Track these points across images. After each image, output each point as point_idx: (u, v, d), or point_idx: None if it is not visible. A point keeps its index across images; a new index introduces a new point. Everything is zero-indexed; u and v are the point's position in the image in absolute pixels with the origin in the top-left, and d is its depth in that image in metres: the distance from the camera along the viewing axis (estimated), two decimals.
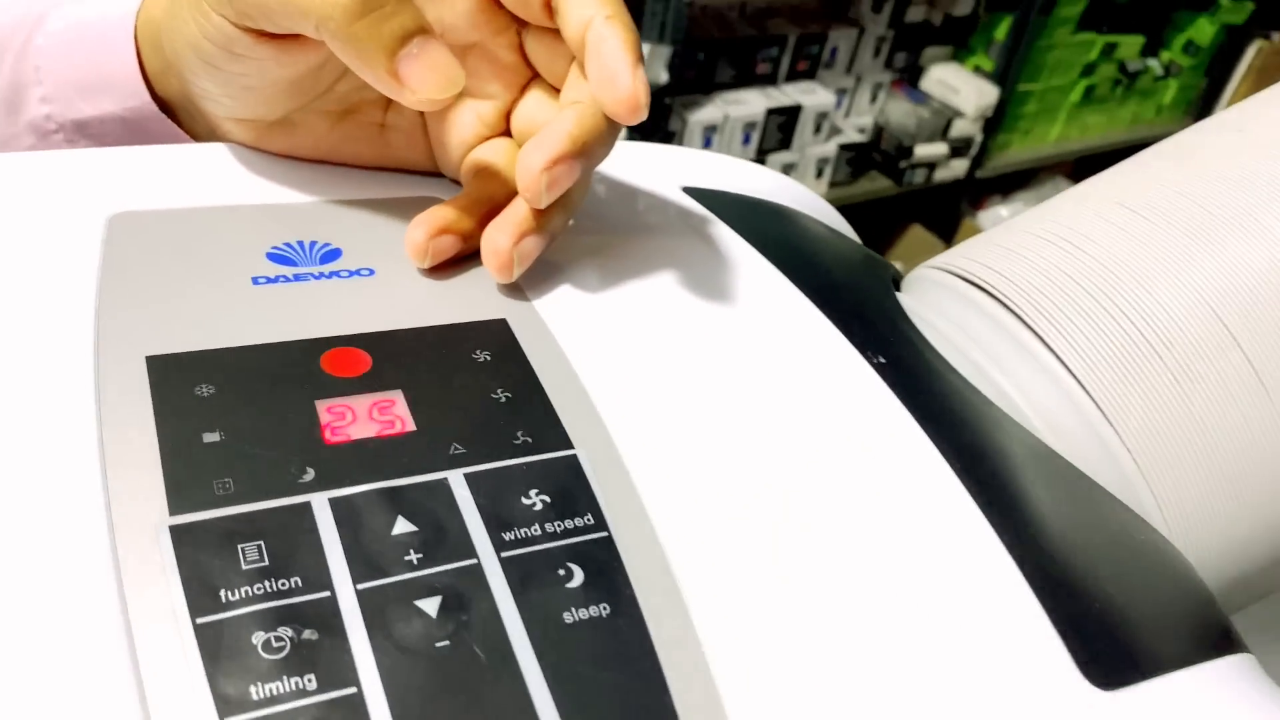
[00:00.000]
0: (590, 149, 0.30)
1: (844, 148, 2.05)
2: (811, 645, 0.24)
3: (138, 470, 0.23)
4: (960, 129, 2.16)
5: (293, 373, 0.27)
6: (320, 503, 0.24)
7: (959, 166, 2.22)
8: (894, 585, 0.26)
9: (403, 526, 0.24)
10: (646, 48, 1.67)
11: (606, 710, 0.22)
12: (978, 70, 2.22)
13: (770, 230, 0.39)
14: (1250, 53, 2.52)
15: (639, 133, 1.71)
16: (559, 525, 0.24)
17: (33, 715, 0.19)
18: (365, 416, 0.26)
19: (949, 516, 0.27)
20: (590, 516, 0.25)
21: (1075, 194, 0.40)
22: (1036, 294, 0.35)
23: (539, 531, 0.24)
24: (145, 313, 0.28)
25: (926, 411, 0.30)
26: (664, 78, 1.72)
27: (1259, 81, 2.48)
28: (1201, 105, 2.60)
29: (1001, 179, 2.36)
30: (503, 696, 0.21)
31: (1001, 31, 2.19)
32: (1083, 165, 2.50)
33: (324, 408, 0.26)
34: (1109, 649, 0.26)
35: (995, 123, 2.21)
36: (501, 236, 0.30)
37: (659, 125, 1.80)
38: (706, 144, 1.88)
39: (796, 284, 0.34)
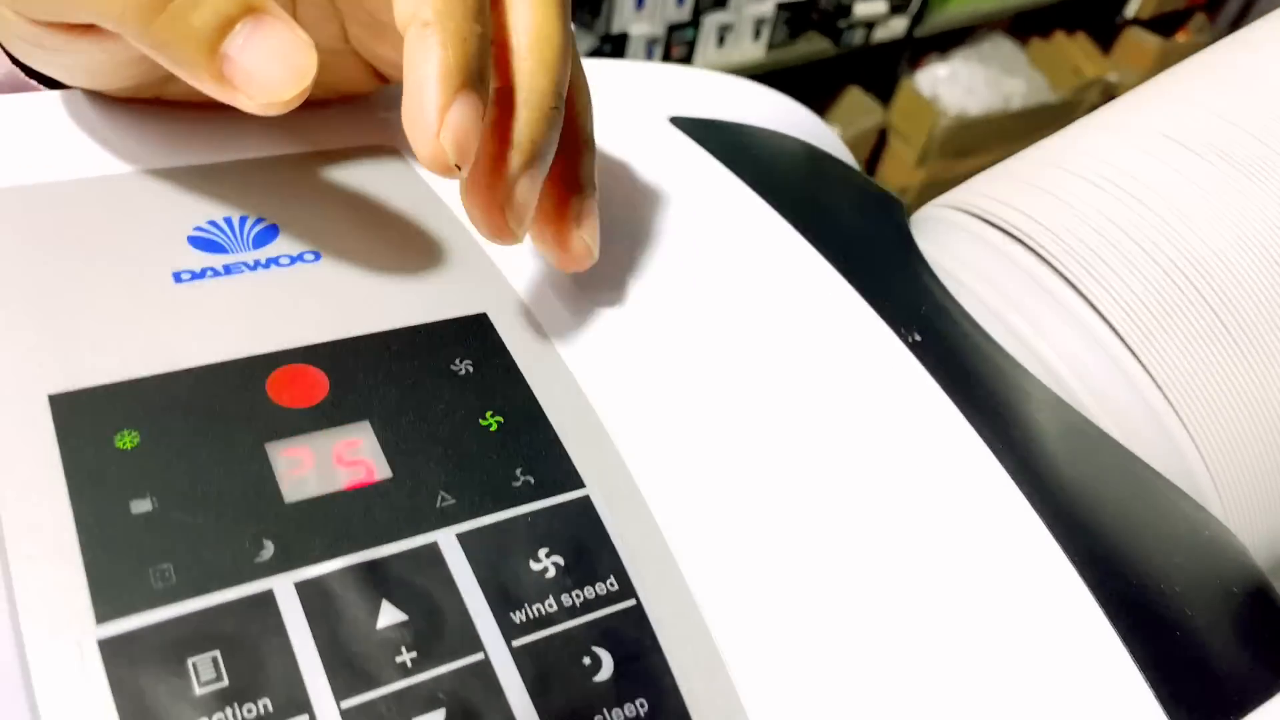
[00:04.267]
0: (541, 148, 0.23)
1: (781, 7, 1.95)
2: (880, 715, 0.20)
3: (48, 560, 0.19)
4: None
5: (235, 406, 0.22)
6: (285, 589, 0.19)
7: (898, 25, 2.14)
8: (961, 627, 0.22)
9: (389, 615, 0.19)
10: None
11: None
12: None
13: (777, 172, 0.34)
14: None
15: None
16: (578, 596, 0.20)
17: None
18: (329, 462, 0.21)
19: (1016, 540, 0.24)
20: (614, 580, 0.21)
21: (1108, 122, 0.35)
22: (1077, 244, 0.31)
23: (554, 606, 0.20)
24: (43, 331, 0.22)
25: (973, 402, 0.26)
26: None
27: None
28: None
29: (940, 37, 2.29)
30: None
31: None
32: (1021, 20, 2.43)
33: (278, 453, 0.21)
34: (1200, 692, 0.23)
35: None
36: (481, 191, 0.23)
37: None
38: (640, 2, 1.78)
39: (812, 240, 0.30)
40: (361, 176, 0.28)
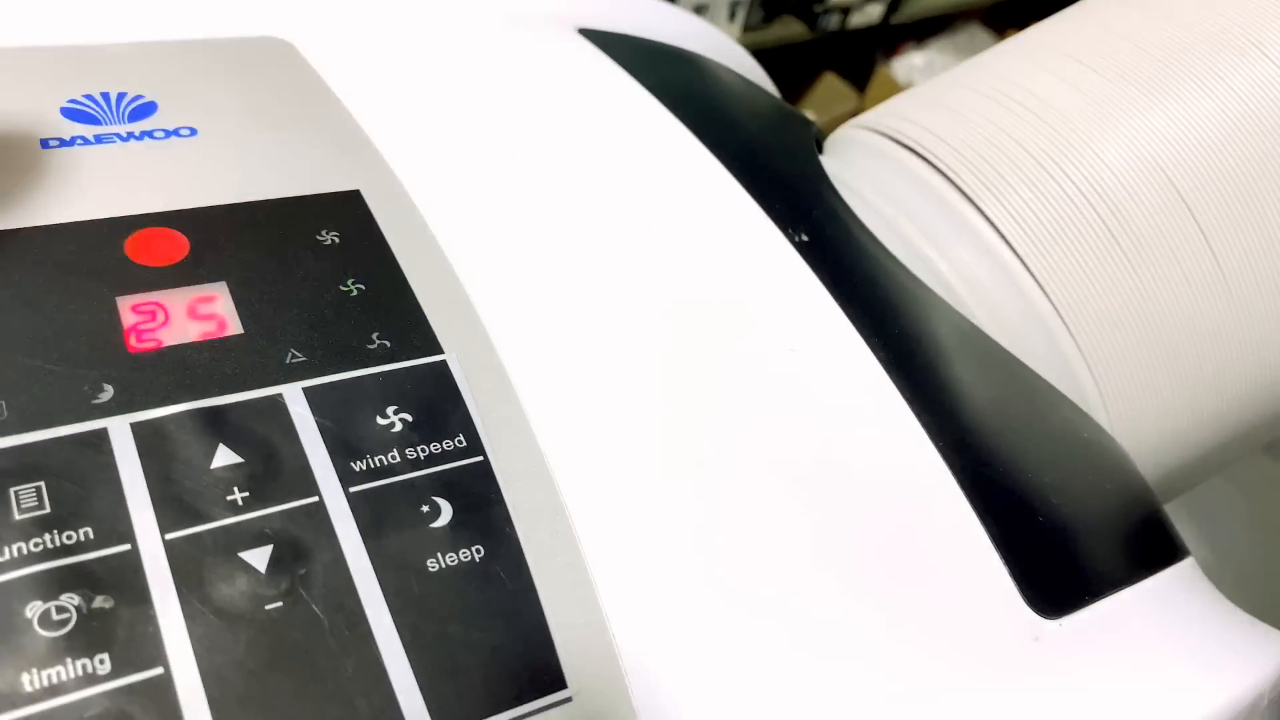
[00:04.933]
0: None
1: None
2: (730, 592, 0.20)
3: None
4: None
5: (89, 261, 0.22)
6: (120, 429, 0.19)
7: (874, 12, 2.14)
8: (824, 509, 0.22)
9: (224, 457, 0.19)
10: None
11: (479, 681, 0.18)
12: None
13: (680, 83, 0.34)
14: None
15: None
16: (423, 450, 0.20)
17: None
18: (181, 316, 0.21)
19: (883, 425, 0.24)
20: (462, 438, 0.21)
21: (1017, 44, 0.35)
22: (975, 158, 0.31)
23: (397, 459, 0.20)
24: None
25: (855, 300, 0.26)
26: None
27: None
28: None
29: (917, 25, 2.29)
30: (350, 670, 0.17)
31: None
32: (997, 11, 2.44)
33: (127, 306, 0.21)
34: (1055, 573, 0.23)
35: None
36: None
37: None
38: None
39: (710, 147, 0.30)
40: (248, 62, 0.28)
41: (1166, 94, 0.31)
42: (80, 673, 0.16)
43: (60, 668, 0.16)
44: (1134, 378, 0.30)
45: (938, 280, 0.31)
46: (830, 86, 2.21)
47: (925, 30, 2.33)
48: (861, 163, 0.33)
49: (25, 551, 0.17)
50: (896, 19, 2.19)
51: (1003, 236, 0.30)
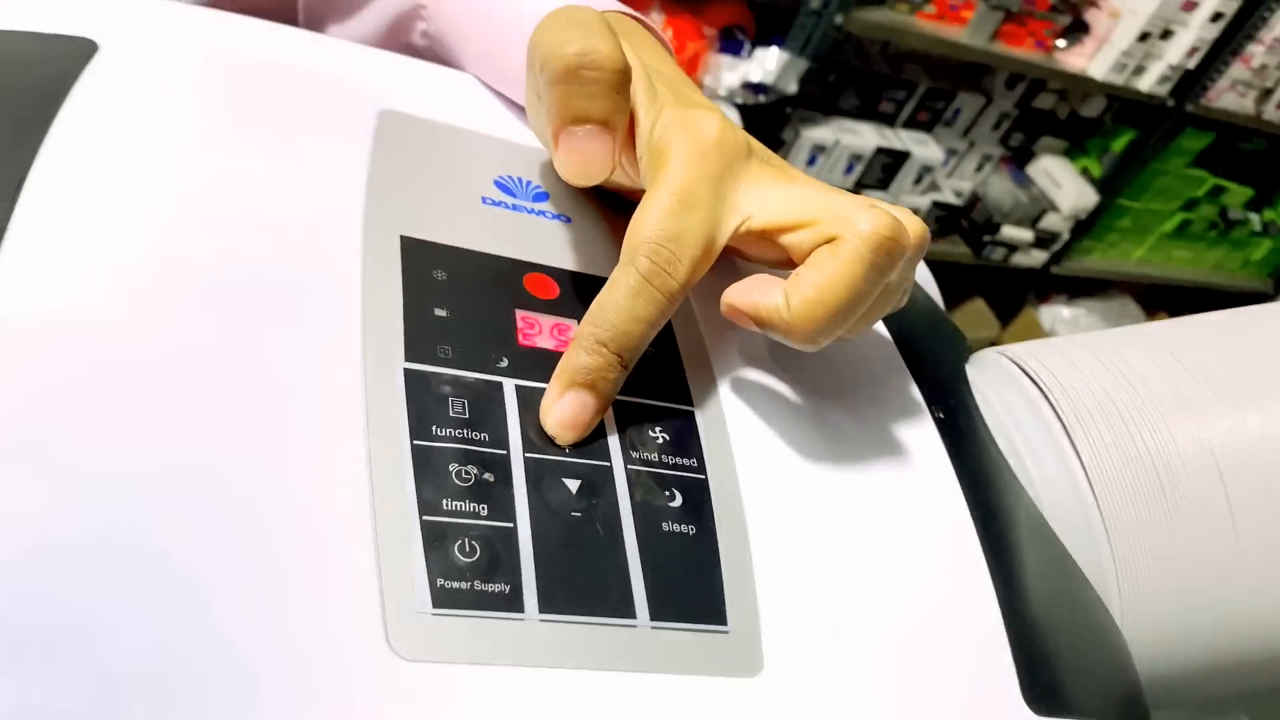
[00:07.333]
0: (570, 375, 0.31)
1: (937, 205, 2.10)
2: (827, 601, 0.31)
3: (385, 323, 0.31)
4: (1051, 222, 2.21)
5: (502, 282, 0.34)
6: (510, 386, 0.31)
7: (1038, 256, 2.27)
8: (900, 590, 0.33)
9: None
10: (785, 57, 1.73)
11: (678, 600, 0.29)
12: (1085, 172, 2.27)
13: None
14: None
15: (754, 133, 1.77)
16: (671, 459, 0.32)
17: (292, 494, 0.27)
18: (548, 333, 0.33)
19: (960, 557, 0.35)
20: (695, 460, 0.32)
21: (1137, 331, 0.47)
22: (1077, 400, 0.42)
23: (656, 458, 0.32)
24: (403, 200, 0.35)
25: (964, 469, 0.37)
26: (792, 88, 1.78)
27: None
28: None
29: (1073, 281, 2.40)
30: (610, 567, 0.29)
31: (1120, 143, 2.23)
32: (1153, 293, 2.53)
33: (520, 316, 0.33)
34: (1048, 685, 0.33)
35: (1086, 226, 2.26)
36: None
37: (772, 133, 1.86)
38: (811, 162, 1.94)
39: (894, 339, 0.42)
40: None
41: (1232, 401, 0.42)
42: (471, 510, 0.28)
43: (461, 504, 0.28)
44: (1148, 592, 0.40)
45: (1025, 475, 0.41)
46: (977, 310, 2.33)
47: (1080, 288, 2.44)
48: (995, 378, 0.45)
49: (453, 435, 0.29)
50: (1056, 270, 2.31)
51: (1080, 461, 0.41)
